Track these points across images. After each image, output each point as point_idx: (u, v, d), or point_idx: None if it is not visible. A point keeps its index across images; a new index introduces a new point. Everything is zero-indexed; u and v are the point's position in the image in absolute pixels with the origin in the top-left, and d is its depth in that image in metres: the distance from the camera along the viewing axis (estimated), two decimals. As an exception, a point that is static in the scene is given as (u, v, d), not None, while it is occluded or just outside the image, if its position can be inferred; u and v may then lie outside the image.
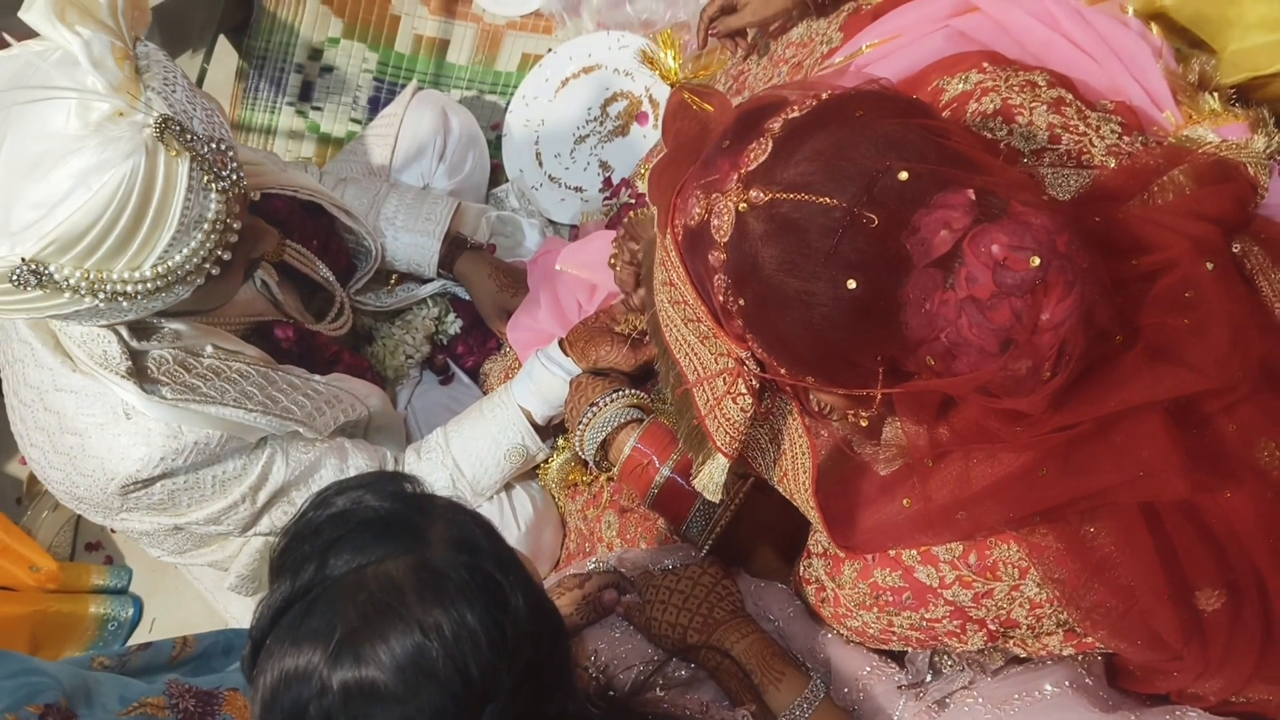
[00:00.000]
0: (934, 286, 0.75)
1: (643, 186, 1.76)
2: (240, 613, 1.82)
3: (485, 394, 1.78)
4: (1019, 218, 0.74)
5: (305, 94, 2.21)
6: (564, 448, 1.59)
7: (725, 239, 0.82)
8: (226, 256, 1.14)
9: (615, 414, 1.36)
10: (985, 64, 1.07)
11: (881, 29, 1.24)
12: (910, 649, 1.08)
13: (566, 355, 1.49)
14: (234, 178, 1.11)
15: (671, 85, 0.93)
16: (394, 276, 1.80)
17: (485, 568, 0.79)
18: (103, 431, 1.24)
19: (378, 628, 0.75)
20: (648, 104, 2.01)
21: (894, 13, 1.25)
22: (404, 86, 2.11)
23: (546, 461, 1.61)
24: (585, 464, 1.59)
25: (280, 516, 1.41)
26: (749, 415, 0.91)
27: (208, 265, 1.13)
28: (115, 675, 1.25)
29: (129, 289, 1.09)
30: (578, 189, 2.02)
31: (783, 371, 0.86)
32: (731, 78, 1.80)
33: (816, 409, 0.94)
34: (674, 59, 0.93)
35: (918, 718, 1.06)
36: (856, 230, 0.76)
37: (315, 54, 2.21)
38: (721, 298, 0.84)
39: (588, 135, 2.04)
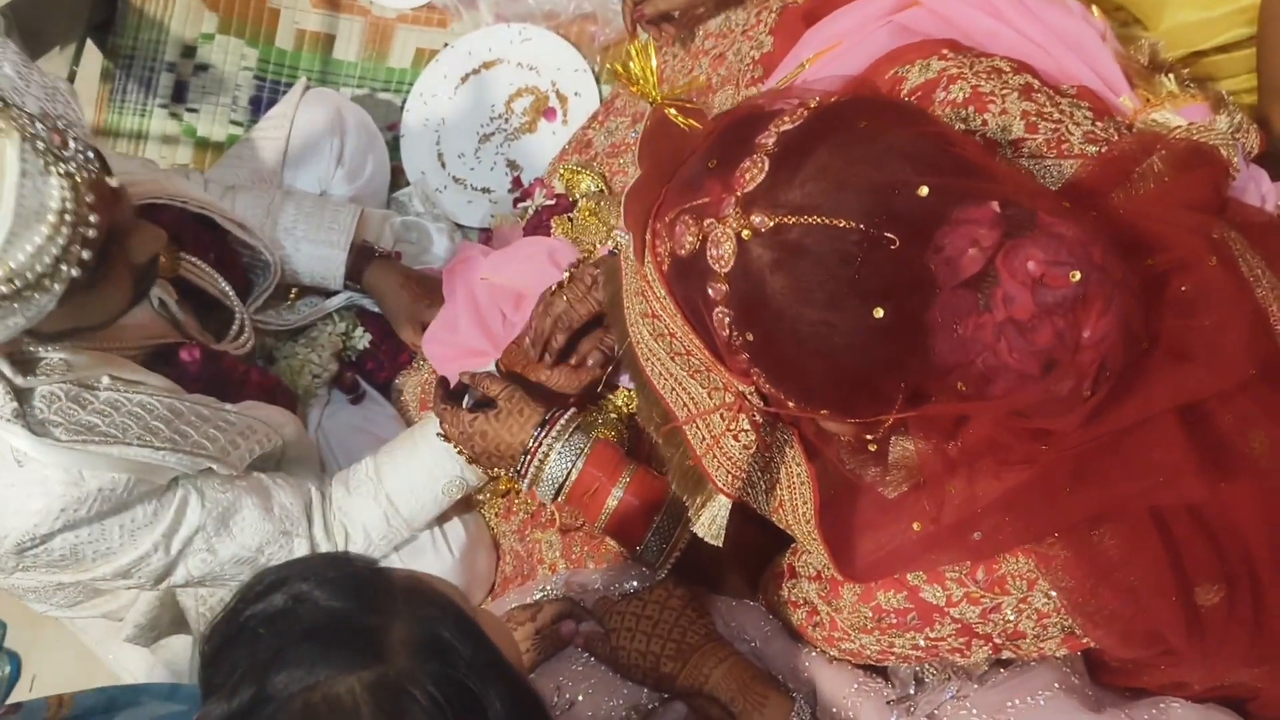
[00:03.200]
0: (966, 309, 0.70)
1: (560, 186, 1.69)
2: (135, 666, 1.67)
3: (399, 410, 1.68)
4: (1049, 229, 0.70)
5: (179, 95, 2.05)
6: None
7: (726, 270, 0.75)
8: (86, 255, 1.00)
9: (564, 451, 1.24)
10: (945, 51, 1.03)
11: (820, 37, 1.19)
12: (908, 665, 1.04)
13: None
14: (80, 159, 0.98)
15: (652, 102, 0.86)
16: (294, 291, 1.67)
17: (456, 677, 0.68)
18: None
19: None
20: (555, 99, 1.93)
21: (830, 18, 1.21)
22: (288, 85, 1.99)
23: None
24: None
25: (197, 565, 1.28)
26: (752, 452, 0.85)
27: (65, 267, 0.98)
28: None
29: None
30: (485, 190, 1.92)
31: (791, 405, 0.80)
32: (647, 71, 1.74)
33: (819, 436, 0.88)
34: (652, 73, 0.85)
35: (912, 733, 1.02)
36: (877, 253, 0.70)
37: (188, 51, 2.05)
38: (725, 332, 0.78)
39: (492, 133, 1.95)
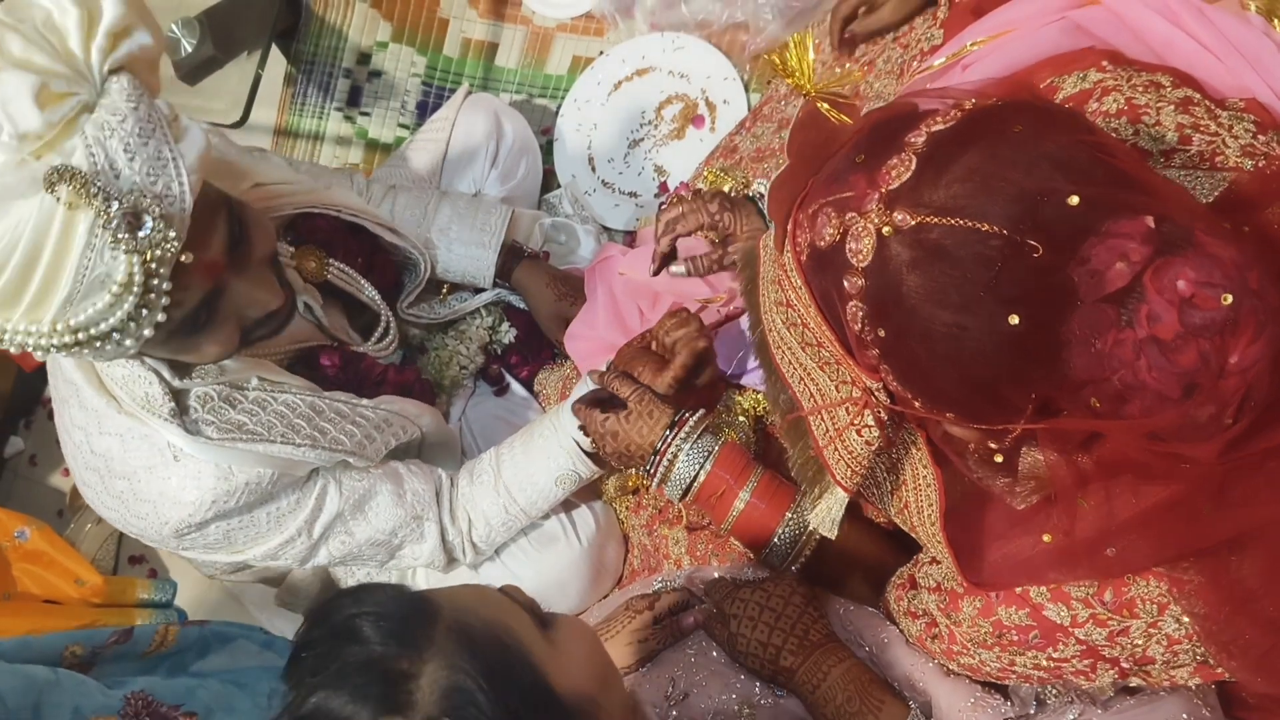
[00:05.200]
0: (1107, 324, 0.68)
1: (703, 188, 1.71)
2: (286, 627, 1.79)
3: (541, 404, 1.74)
4: (1205, 249, 0.67)
5: (353, 99, 2.18)
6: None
7: (864, 264, 0.75)
8: (160, 318, 1.04)
9: (692, 453, 1.26)
10: (1105, 63, 1.00)
11: (990, 24, 1.17)
12: (1029, 685, 1.02)
13: None
14: (156, 238, 0.99)
15: (805, 94, 0.87)
16: (446, 286, 1.75)
17: None
18: (152, 475, 1.20)
19: None
20: (704, 106, 1.96)
21: (1004, 8, 1.18)
22: (452, 91, 2.08)
23: (603, 476, 1.56)
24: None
25: (337, 547, 1.37)
26: (874, 448, 0.85)
27: (134, 325, 1.03)
28: (77, 677, 1.20)
29: (37, 341, 1.00)
30: (632, 194, 1.97)
31: (918, 405, 0.79)
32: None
33: (946, 441, 0.87)
34: (809, 65, 0.86)
35: (1027, 752, 1.00)
36: (1018, 260, 0.69)
37: (364, 58, 2.18)
38: (857, 327, 0.78)
39: (642, 139, 1.99)
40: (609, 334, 1.60)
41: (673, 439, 1.27)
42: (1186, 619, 0.87)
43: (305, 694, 0.72)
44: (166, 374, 1.18)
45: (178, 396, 1.19)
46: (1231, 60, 1.02)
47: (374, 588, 0.78)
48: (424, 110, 2.15)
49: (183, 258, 1.03)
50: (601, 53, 2.07)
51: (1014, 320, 0.69)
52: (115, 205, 0.96)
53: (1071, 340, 0.70)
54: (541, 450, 1.44)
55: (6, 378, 2.32)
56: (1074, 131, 0.74)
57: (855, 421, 0.85)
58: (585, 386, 1.43)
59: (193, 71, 1.87)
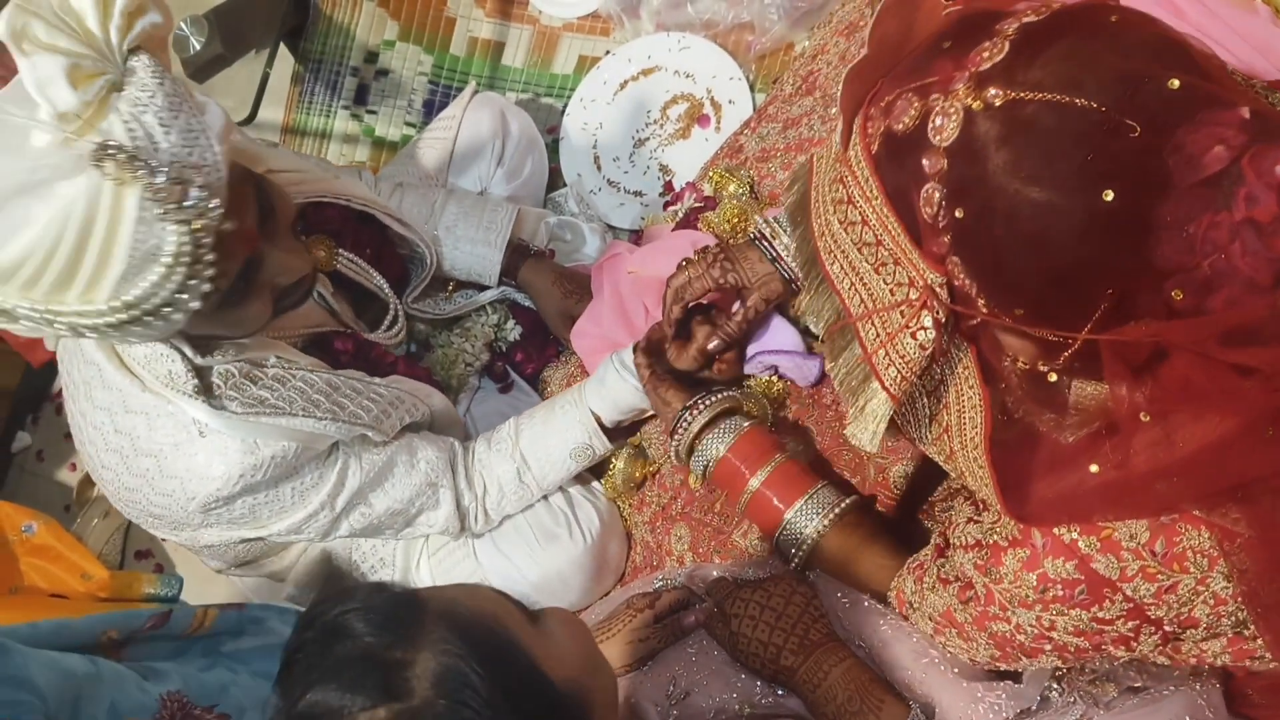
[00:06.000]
0: (1203, 207, 0.68)
1: (709, 189, 1.72)
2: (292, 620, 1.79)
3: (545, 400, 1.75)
4: None
5: (360, 97, 2.18)
6: (623, 448, 1.57)
7: (948, 143, 0.74)
8: (206, 289, 1.06)
9: (704, 414, 1.32)
10: None
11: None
12: (1060, 662, 0.99)
13: None
14: (202, 207, 1.01)
15: None
16: (451, 283, 1.77)
17: (472, 706, 0.72)
18: (179, 451, 1.22)
19: None
20: (709, 106, 1.96)
21: None
22: (459, 89, 2.09)
23: (610, 471, 1.57)
24: (645, 458, 1.56)
25: (358, 519, 1.40)
26: (929, 352, 0.83)
27: (185, 296, 1.05)
28: (116, 669, 1.21)
29: (87, 321, 1.03)
30: (637, 194, 1.97)
31: (982, 302, 0.78)
32: (801, 79, 1.75)
33: (996, 356, 0.85)
34: None
35: (1029, 751, 1.00)
36: (1116, 138, 0.68)
37: (371, 57, 2.18)
38: (933, 210, 0.76)
39: (647, 138, 1.99)
40: (615, 331, 1.61)
41: (690, 407, 1.32)
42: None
43: (299, 694, 0.73)
44: (188, 351, 1.20)
45: (200, 374, 1.21)
46: (1241, 51, 1.03)
47: (357, 588, 0.79)
48: (430, 109, 2.15)
49: (225, 225, 1.06)
50: (607, 52, 2.07)
51: (1109, 196, 0.68)
52: (161, 177, 0.98)
53: (1163, 225, 0.69)
54: (561, 422, 1.49)
55: (14, 373, 2.33)
56: (1166, 29, 0.74)
57: (910, 324, 0.83)
58: (608, 367, 1.47)
59: (200, 70, 1.88)
